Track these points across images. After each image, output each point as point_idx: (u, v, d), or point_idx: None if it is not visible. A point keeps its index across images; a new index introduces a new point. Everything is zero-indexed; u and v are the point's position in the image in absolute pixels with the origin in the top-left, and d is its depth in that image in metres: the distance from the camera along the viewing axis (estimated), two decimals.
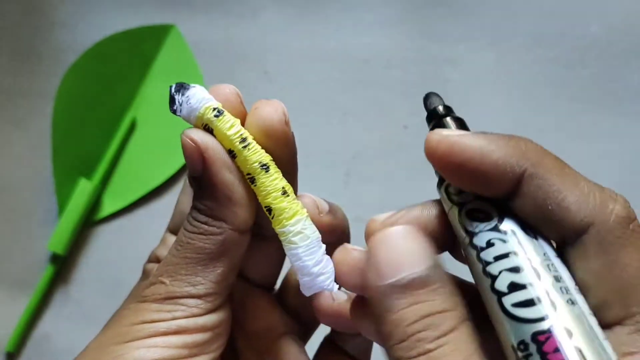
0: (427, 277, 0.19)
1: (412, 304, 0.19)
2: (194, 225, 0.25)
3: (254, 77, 0.49)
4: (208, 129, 0.24)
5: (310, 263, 0.24)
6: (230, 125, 0.24)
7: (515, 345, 0.18)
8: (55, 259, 0.46)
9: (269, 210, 0.24)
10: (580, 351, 0.18)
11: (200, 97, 0.24)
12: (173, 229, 0.29)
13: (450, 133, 0.22)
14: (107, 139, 0.48)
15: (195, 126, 0.24)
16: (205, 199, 0.24)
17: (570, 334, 0.18)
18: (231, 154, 0.24)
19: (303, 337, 0.29)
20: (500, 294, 0.19)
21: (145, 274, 0.29)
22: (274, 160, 0.24)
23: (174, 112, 0.24)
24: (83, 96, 0.49)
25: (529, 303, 0.19)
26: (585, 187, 0.21)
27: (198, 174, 0.24)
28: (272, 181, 0.24)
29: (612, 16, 0.48)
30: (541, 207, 0.20)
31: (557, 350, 0.18)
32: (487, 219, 0.21)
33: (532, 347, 0.18)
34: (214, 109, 0.24)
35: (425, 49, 0.49)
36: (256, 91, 0.49)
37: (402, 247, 0.20)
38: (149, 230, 0.48)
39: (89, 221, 0.47)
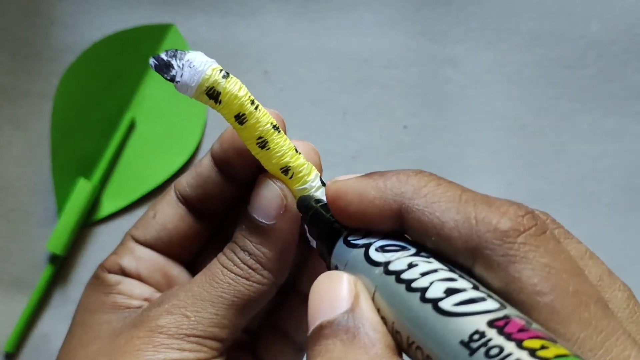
0: (341, 324, 0.18)
1: (322, 353, 0.18)
2: (240, 268, 0.24)
3: (253, 77, 0.49)
4: (213, 93, 0.23)
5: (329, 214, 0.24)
6: (239, 87, 0.23)
7: (466, 339, 0.17)
8: (54, 259, 0.46)
9: (286, 170, 0.23)
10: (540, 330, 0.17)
11: (204, 60, 0.23)
12: (144, 240, 0.28)
13: (340, 178, 0.22)
14: (106, 138, 0.48)
15: (196, 94, 0.23)
16: (264, 246, 0.24)
17: (528, 322, 0.17)
18: (240, 118, 0.23)
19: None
20: (435, 300, 0.18)
21: (101, 282, 0.27)
22: None
23: (172, 78, 0.22)
24: (82, 96, 0.49)
25: (475, 300, 0.17)
26: (465, 208, 0.19)
27: (269, 221, 0.24)
28: (285, 141, 0.24)
29: (612, 16, 0.48)
30: (428, 239, 0.20)
31: (522, 329, 0.16)
32: (402, 249, 0.20)
33: (491, 332, 0.16)
34: (221, 70, 0.23)
35: (425, 49, 0.49)
36: (256, 91, 0.48)
37: (323, 292, 0.20)
38: None
39: (88, 221, 0.47)
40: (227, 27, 0.50)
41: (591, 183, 0.47)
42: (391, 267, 0.20)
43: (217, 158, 0.26)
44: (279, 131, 0.24)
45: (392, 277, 0.19)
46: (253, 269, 0.24)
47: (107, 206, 0.47)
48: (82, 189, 0.46)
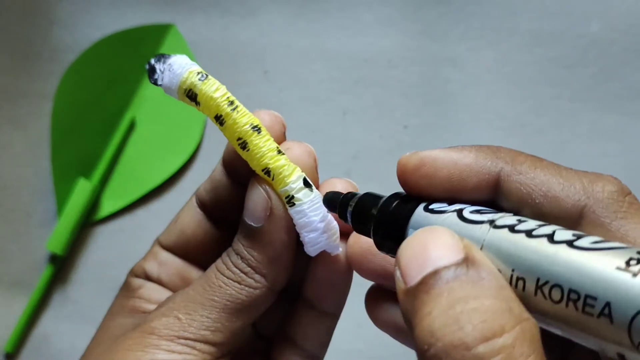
0: (460, 271, 0.17)
1: (445, 294, 0.17)
2: (232, 272, 0.24)
3: (253, 76, 0.49)
4: (192, 95, 0.23)
5: (317, 218, 0.24)
6: (216, 89, 0.23)
7: (622, 265, 0.16)
8: (54, 259, 0.46)
9: (267, 172, 0.24)
10: None
11: (183, 63, 0.23)
12: (166, 245, 0.28)
13: (418, 151, 0.21)
14: (106, 138, 0.48)
15: (179, 96, 0.24)
16: (254, 250, 0.24)
17: None
18: (219, 119, 0.23)
19: None
20: (569, 241, 0.17)
21: (127, 286, 0.28)
22: None
23: (155, 81, 0.23)
24: (82, 96, 0.49)
25: (608, 241, 0.17)
26: (568, 174, 0.20)
27: (257, 223, 0.24)
28: (266, 142, 0.23)
29: (612, 15, 0.48)
30: (528, 203, 0.20)
31: None
32: (492, 212, 0.20)
33: None
34: (198, 72, 0.23)
35: (425, 49, 0.49)
36: (256, 91, 0.48)
37: (429, 241, 0.18)
38: (148, 231, 0.48)
39: (88, 221, 0.47)
40: (227, 27, 0.50)
41: None
42: (500, 222, 0.19)
43: (225, 162, 0.27)
44: (260, 132, 0.23)
45: (505, 230, 0.18)
46: (244, 273, 0.24)
47: (107, 206, 0.47)
48: (82, 189, 0.46)
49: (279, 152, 0.24)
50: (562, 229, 0.18)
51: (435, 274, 0.17)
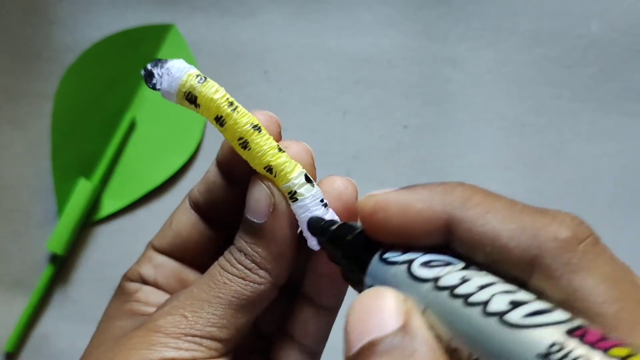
0: (394, 342, 0.17)
1: None
2: (237, 268, 0.24)
3: (253, 76, 0.49)
4: (191, 97, 0.24)
5: (319, 212, 0.24)
6: (215, 90, 0.23)
7: (543, 351, 0.16)
8: (54, 259, 0.46)
9: (269, 169, 0.24)
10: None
11: (181, 67, 0.24)
12: (161, 248, 0.28)
13: (375, 192, 0.21)
14: (106, 138, 0.48)
15: (177, 100, 0.24)
16: (258, 246, 0.24)
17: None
18: (219, 120, 0.24)
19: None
20: (500, 313, 0.17)
21: (122, 291, 0.28)
22: None
23: (153, 86, 0.24)
24: (82, 96, 0.49)
25: (545, 311, 0.17)
26: (521, 217, 0.19)
27: (260, 219, 0.24)
28: (267, 140, 0.24)
29: (612, 15, 0.48)
30: (480, 250, 0.19)
31: (602, 338, 0.16)
32: (448, 264, 0.19)
33: (571, 343, 0.15)
34: (197, 75, 0.24)
35: (425, 49, 0.49)
36: (256, 91, 0.48)
37: (371, 308, 0.18)
38: (148, 231, 0.47)
39: (89, 221, 0.47)
40: (227, 27, 0.50)
41: (591, 183, 0.47)
42: (442, 283, 0.18)
43: (220, 162, 0.27)
44: (260, 131, 0.24)
45: (445, 293, 0.18)
46: (249, 269, 0.24)
47: (108, 206, 0.47)
48: (83, 189, 0.46)
49: (280, 149, 0.24)
50: (501, 294, 0.17)
51: (371, 345, 0.18)
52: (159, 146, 0.48)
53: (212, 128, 0.48)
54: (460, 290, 0.18)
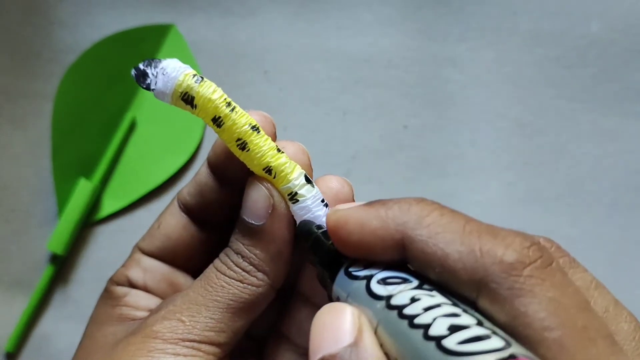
0: (349, 355, 0.19)
1: None
2: (234, 271, 0.24)
3: (253, 76, 0.49)
4: (188, 98, 0.23)
5: (321, 213, 0.24)
6: (213, 90, 0.23)
7: None
8: (54, 259, 0.46)
9: (269, 170, 0.23)
10: None
11: (177, 66, 0.23)
12: (149, 251, 0.28)
13: (340, 207, 0.22)
14: (106, 139, 0.48)
15: (173, 100, 0.23)
16: (256, 248, 0.24)
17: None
18: (217, 121, 0.23)
19: None
20: (439, 338, 0.17)
21: (110, 295, 0.27)
22: None
23: (147, 87, 0.23)
24: (82, 96, 0.49)
25: (480, 338, 0.17)
26: (469, 239, 0.19)
27: (258, 222, 0.24)
28: (266, 141, 0.24)
29: (612, 16, 0.48)
30: (430, 270, 0.19)
31: None
32: (404, 282, 0.20)
33: None
34: (194, 75, 0.23)
35: (425, 49, 0.49)
36: (256, 91, 0.48)
37: (327, 323, 0.20)
38: None
39: (89, 221, 0.47)
40: (227, 27, 0.50)
41: (591, 183, 0.47)
42: (393, 302, 0.19)
43: (212, 164, 0.26)
44: (259, 131, 0.23)
45: (395, 312, 0.19)
46: (247, 272, 0.24)
47: (108, 206, 0.47)
48: (83, 189, 0.46)
49: (279, 150, 0.24)
50: (443, 317, 0.18)
51: (325, 359, 0.19)
52: (159, 146, 0.48)
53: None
54: (408, 310, 0.19)
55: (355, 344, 0.19)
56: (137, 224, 0.47)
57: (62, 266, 0.47)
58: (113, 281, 0.28)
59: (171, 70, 0.23)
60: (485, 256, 0.18)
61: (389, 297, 0.19)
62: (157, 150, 0.48)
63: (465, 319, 0.18)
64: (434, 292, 0.19)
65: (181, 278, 0.28)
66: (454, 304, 0.19)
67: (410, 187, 0.46)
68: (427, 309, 0.18)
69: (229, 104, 0.23)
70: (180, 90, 0.23)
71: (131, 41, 0.50)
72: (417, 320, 0.18)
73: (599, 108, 0.47)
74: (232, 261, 0.24)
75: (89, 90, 0.49)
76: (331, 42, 0.49)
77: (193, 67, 0.49)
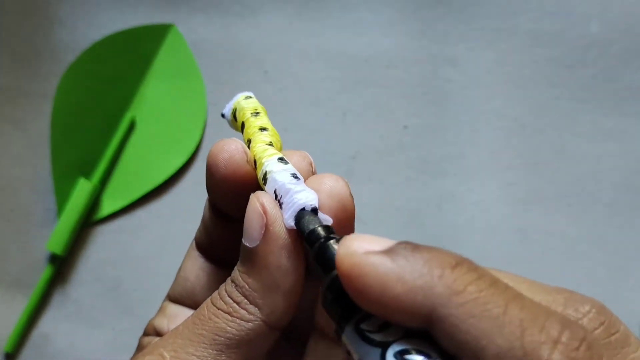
0: None
1: None
2: (225, 302, 0.21)
3: (253, 76, 0.49)
4: (235, 114, 0.25)
5: (286, 180, 0.22)
6: (249, 102, 0.25)
7: None
8: (54, 259, 0.46)
9: (264, 176, 0.23)
10: None
11: (242, 94, 0.26)
12: (173, 297, 0.27)
13: (356, 244, 0.18)
14: (106, 138, 0.48)
15: (231, 121, 0.25)
16: (248, 275, 0.21)
17: None
18: (242, 129, 0.25)
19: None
20: None
21: (139, 346, 0.26)
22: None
23: (222, 114, 0.26)
24: (82, 96, 0.49)
25: None
26: (513, 332, 0.16)
27: (252, 244, 0.21)
28: (262, 138, 0.25)
29: (612, 15, 0.48)
30: (463, 356, 0.17)
31: None
32: (425, 358, 0.17)
33: None
34: (247, 97, 0.25)
35: (425, 49, 0.49)
36: (256, 91, 0.48)
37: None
38: (148, 231, 0.48)
39: (88, 221, 0.47)
40: (227, 27, 0.50)
41: (591, 183, 0.47)
42: None
43: (212, 202, 0.25)
44: (263, 131, 0.24)
45: None
46: (237, 302, 0.21)
47: (107, 206, 0.47)
48: (82, 189, 0.46)
49: (270, 144, 0.23)
50: None
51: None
52: (158, 146, 0.48)
53: (212, 128, 0.48)
54: None
55: None
56: (136, 224, 0.47)
57: (62, 266, 0.47)
58: (144, 332, 0.27)
59: (235, 97, 0.25)
60: (528, 355, 0.16)
61: None
62: (157, 150, 0.48)
63: None
64: None
65: None
66: None
67: (410, 187, 0.46)
68: None
69: (256, 113, 0.24)
70: (232, 110, 0.25)
71: (131, 41, 0.50)
72: None
73: (599, 108, 0.47)
74: (226, 291, 0.21)
75: (89, 90, 0.49)
76: (331, 42, 0.49)
77: (193, 67, 0.49)
